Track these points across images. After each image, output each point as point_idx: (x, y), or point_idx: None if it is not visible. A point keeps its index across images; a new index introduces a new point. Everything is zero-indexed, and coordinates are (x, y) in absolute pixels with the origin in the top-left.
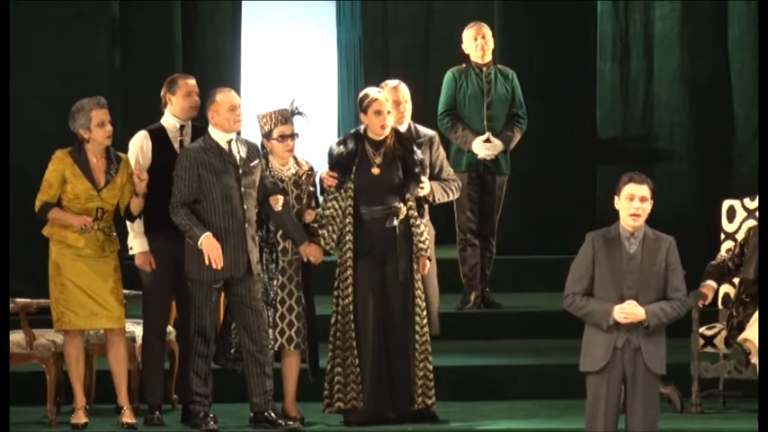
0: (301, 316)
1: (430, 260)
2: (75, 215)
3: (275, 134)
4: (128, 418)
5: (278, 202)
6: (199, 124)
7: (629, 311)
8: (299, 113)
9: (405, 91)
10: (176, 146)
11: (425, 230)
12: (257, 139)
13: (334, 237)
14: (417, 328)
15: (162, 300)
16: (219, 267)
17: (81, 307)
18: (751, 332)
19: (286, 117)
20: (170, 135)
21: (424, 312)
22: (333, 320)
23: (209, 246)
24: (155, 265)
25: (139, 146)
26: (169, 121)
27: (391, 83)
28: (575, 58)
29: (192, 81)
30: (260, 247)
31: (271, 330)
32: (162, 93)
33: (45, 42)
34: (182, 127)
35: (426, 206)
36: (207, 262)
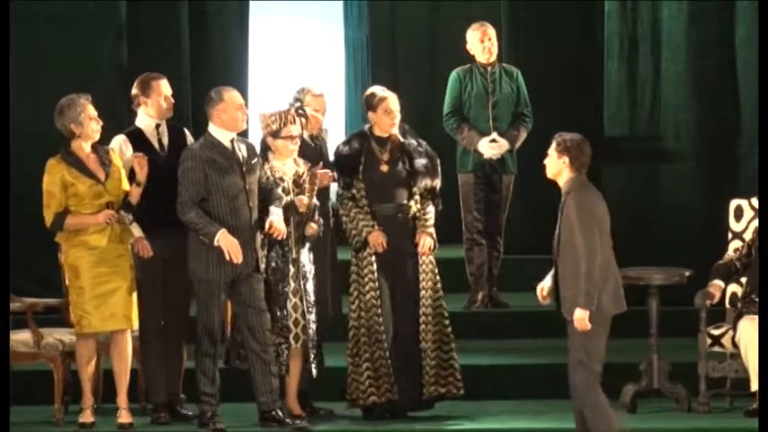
0: (306, 314)
1: (433, 238)
2: (94, 214)
3: (283, 133)
4: (124, 418)
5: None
6: (171, 122)
7: None
8: (303, 115)
9: None
10: (156, 145)
11: (432, 211)
12: (253, 138)
13: (369, 218)
14: (430, 318)
15: (156, 298)
16: (240, 261)
17: (99, 310)
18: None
19: (294, 117)
20: (148, 135)
21: (438, 302)
22: (355, 316)
23: (227, 241)
24: (151, 252)
25: (119, 150)
26: (144, 121)
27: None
28: (581, 58)
29: (165, 81)
30: (271, 245)
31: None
32: (134, 93)
33: (51, 42)
34: (157, 126)
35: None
36: (227, 257)
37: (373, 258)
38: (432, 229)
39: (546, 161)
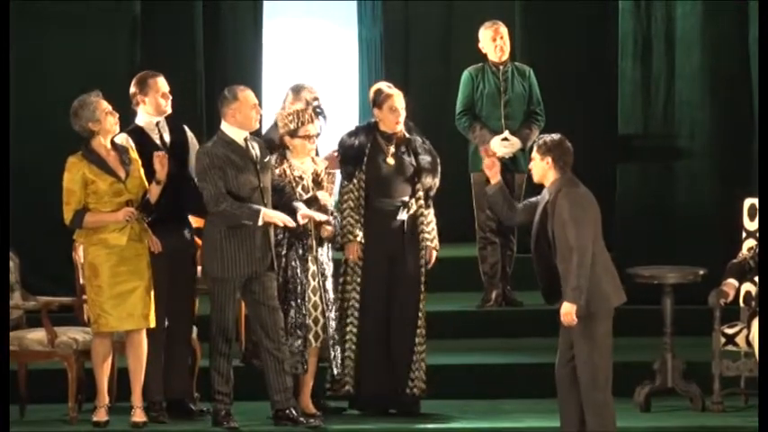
0: (326, 312)
1: (437, 250)
2: (114, 212)
3: (301, 132)
4: (138, 417)
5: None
6: (171, 119)
7: None
8: (321, 114)
9: None
10: (158, 142)
11: (433, 221)
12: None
13: (359, 225)
14: (419, 321)
15: (162, 295)
16: (293, 225)
17: (117, 309)
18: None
19: (312, 117)
20: (149, 132)
21: (421, 304)
22: (345, 310)
23: (271, 214)
24: (161, 247)
25: None
26: (144, 119)
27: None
28: (595, 56)
29: (163, 78)
30: (290, 243)
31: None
32: (132, 92)
33: (66, 41)
34: (158, 123)
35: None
36: (281, 225)
37: (360, 254)
38: (435, 242)
39: (531, 166)
